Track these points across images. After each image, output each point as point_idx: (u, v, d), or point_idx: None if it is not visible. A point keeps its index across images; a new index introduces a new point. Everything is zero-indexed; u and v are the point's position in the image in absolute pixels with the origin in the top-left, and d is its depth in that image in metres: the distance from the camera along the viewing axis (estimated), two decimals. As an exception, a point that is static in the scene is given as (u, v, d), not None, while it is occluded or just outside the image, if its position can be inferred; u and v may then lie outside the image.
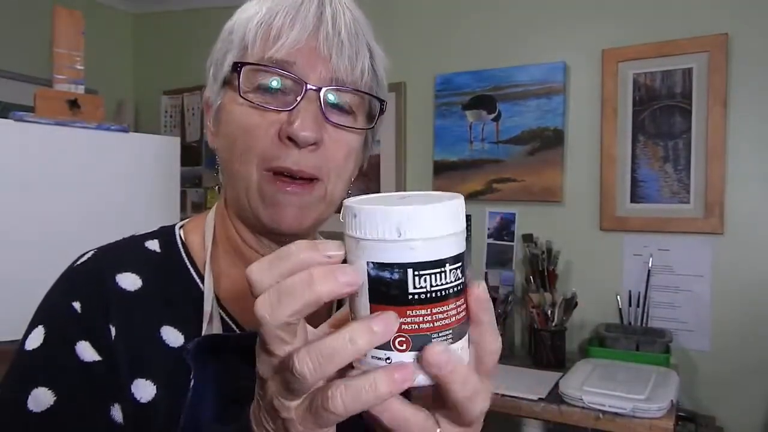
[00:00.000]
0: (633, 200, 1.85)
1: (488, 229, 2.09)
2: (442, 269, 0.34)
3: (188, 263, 0.61)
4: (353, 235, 0.35)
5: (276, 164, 0.53)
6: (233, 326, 0.59)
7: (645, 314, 1.80)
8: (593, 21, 1.91)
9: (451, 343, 0.35)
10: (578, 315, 1.87)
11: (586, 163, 1.93)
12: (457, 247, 0.35)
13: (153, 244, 0.62)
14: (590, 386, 1.44)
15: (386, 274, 0.34)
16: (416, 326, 0.34)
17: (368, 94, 0.57)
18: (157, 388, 0.53)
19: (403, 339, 0.35)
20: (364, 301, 0.35)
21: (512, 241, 2.04)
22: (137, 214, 1.70)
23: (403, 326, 0.34)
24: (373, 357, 0.35)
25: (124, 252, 0.60)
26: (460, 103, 2.11)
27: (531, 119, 1.99)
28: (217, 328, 0.57)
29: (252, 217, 0.57)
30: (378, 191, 2.30)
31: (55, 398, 0.51)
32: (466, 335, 0.37)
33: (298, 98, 0.53)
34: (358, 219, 0.34)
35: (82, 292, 0.55)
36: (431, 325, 0.34)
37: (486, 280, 2.05)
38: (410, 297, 0.34)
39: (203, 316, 0.56)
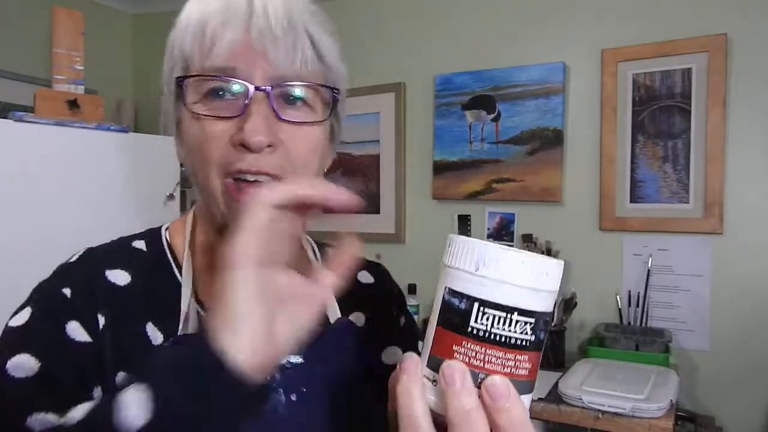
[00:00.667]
0: (632, 200, 1.85)
1: (488, 229, 2.09)
2: (509, 315, 0.35)
3: (172, 262, 0.61)
4: (443, 260, 0.38)
5: (233, 168, 0.52)
6: None
7: (644, 314, 1.80)
8: (593, 21, 1.92)
9: None
10: (578, 315, 1.87)
11: (585, 163, 1.93)
12: (533, 302, 0.36)
13: (140, 244, 0.63)
14: (590, 386, 1.44)
15: (455, 301, 0.36)
16: (467, 359, 0.35)
17: (318, 85, 0.55)
18: None
19: None
20: (433, 320, 0.38)
21: (512, 241, 2.04)
22: (137, 214, 1.70)
23: (455, 354, 0.36)
24: (424, 376, 0.37)
25: (114, 251, 0.61)
26: (460, 104, 2.11)
27: (530, 119, 1.99)
28: (193, 327, 0.57)
29: (222, 224, 0.56)
30: (378, 191, 2.31)
31: (39, 365, 0.50)
32: (527, 395, 0.38)
33: (247, 102, 0.51)
34: (449, 247, 0.38)
35: (72, 281, 0.56)
36: (482, 364, 0.35)
37: (485, 280, 2.05)
38: (469, 329, 0.35)
39: (180, 314, 0.57)
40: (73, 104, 1.61)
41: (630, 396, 1.37)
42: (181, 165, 0.64)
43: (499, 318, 0.35)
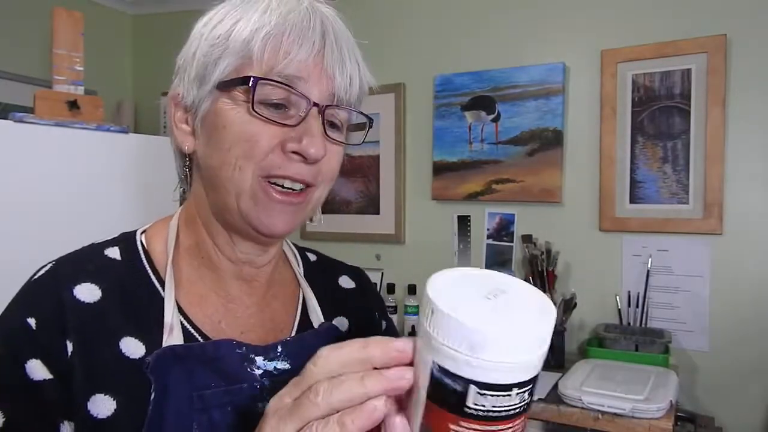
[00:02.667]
0: (632, 201, 1.85)
1: (487, 229, 2.09)
2: (508, 393, 0.33)
3: (149, 270, 0.59)
4: (427, 329, 0.33)
5: (277, 173, 0.54)
6: (195, 335, 0.57)
7: (644, 315, 1.80)
8: (592, 22, 1.92)
9: None
10: (577, 315, 1.87)
11: (585, 163, 1.93)
12: (532, 371, 0.33)
13: (113, 252, 0.60)
14: (589, 387, 1.44)
15: (449, 381, 0.33)
16: None
17: (362, 114, 0.60)
18: (117, 402, 0.51)
19: None
20: (422, 393, 0.34)
21: (511, 241, 2.04)
22: (137, 214, 1.70)
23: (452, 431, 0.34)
24: None
25: (83, 262, 0.58)
26: (460, 104, 2.11)
27: (530, 120, 1.99)
28: (178, 338, 0.55)
29: (240, 221, 0.57)
30: (378, 191, 2.31)
31: (3, 419, 0.50)
32: None
33: (301, 113, 0.54)
34: (435, 317, 0.33)
35: (37, 308, 0.53)
36: None
37: (485, 280, 2.05)
38: (466, 410, 0.33)
39: (164, 326, 0.55)
40: (73, 105, 1.61)
41: (630, 396, 1.37)
42: (187, 157, 0.61)
43: (499, 397, 0.33)
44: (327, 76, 0.55)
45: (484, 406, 0.33)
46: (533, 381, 0.34)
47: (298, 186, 0.56)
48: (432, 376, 0.33)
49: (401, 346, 0.37)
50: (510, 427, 0.34)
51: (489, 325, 0.31)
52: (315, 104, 0.54)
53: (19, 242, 1.44)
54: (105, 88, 2.48)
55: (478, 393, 0.32)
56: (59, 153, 1.55)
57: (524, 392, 0.33)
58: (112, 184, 1.67)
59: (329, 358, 0.38)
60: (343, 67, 0.56)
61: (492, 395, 0.32)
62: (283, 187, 0.55)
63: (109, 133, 1.67)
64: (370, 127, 0.62)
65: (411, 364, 0.36)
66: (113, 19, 2.87)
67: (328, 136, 0.56)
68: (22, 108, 1.88)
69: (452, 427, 0.34)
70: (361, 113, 0.61)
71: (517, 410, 0.34)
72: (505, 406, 0.33)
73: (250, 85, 0.53)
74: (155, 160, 1.78)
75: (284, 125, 0.54)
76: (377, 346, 0.37)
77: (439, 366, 0.33)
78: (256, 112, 0.53)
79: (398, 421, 0.36)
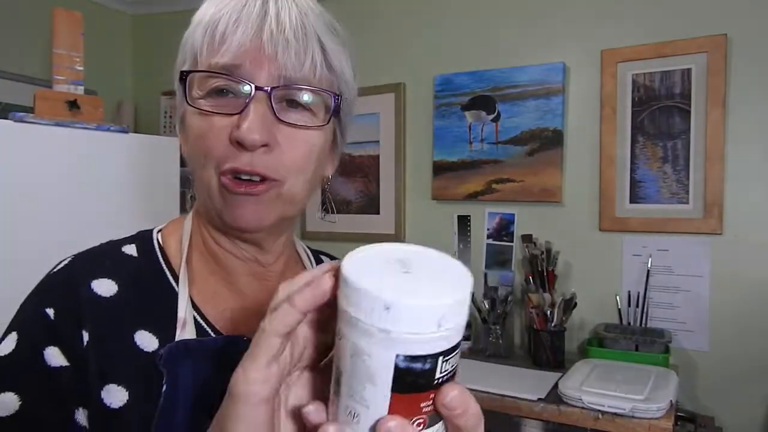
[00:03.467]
0: (632, 201, 1.85)
1: (487, 229, 2.09)
2: (459, 349, 0.35)
3: (165, 267, 0.61)
4: (382, 326, 0.33)
5: (228, 165, 0.53)
6: (208, 330, 0.59)
7: (644, 314, 1.80)
8: (592, 22, 1.92)
9: None
10: (577, 315, 1.87)
11: (585, 163, 1.93)
12: (465, 316, 0.35)
13: (130, 249, 0.62)
14: (589, 386, 1.44)
15: (417, 366, 0.33)
16: (434, 406, 0.35)
17: (320, 90, 0.55)
18: (129, 394, 0.52)
19: (422, 420, 0.35)
20: (381, 390, 0.34)
21: (511, 241, 2.04)
22: (137, 214, 1.70)
23: (424, 409, 0.35)
24: None
25: (101, 258, 0.60)
26: (460, 104, 2.11)
27: (530, 120, 1.99)
28: (190, 332, 0.56)
29: (217, 219, 0.58)
30: (378, 192, 2.31)
31: (20, 403, 0.51)
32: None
33: (248, 101, 0.53)
34: (392, 312, 0.32)
35: (55, 299, 0.55)
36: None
37: (485, 280, 2.05)
38: (436, 382, 0.34)
39: (177, 320, 0.56)
40: (73, 105, 1.61)
41: (630, 396, 1.37)
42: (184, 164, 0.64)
43: (455, 356, 0.35)
44: (268, 56, 0.52)
45: (447, 369, 0.35)
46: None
47: (256, 178, 0.54)
48: (397, 369, 0.33)
49: (326, 266, 0.38)
50: (457, 369, 0.37)
51: (449, 300, 0.33)
52: (258, 88, 0.52)
53: (19, 242, 1.44)
54: (105, 88, 2.48)
55: (444, 360, 0.34)
56: (59, 153, 1.55)
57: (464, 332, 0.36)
58: (112, 184, 1.67)
59: (272, 299, 0.39)
60: (287, 45, 0.52)
61: (452, 356, 0.34)
62: (241, 179, 0.54)
63: (109, 133, 1.67)
64: (336, 103, 0.57)
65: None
66: (113, 19, 2.87)
67: (280, 119, 0.54)
68: (22, 108, 1.89)
69: (423, 404, 0.35)
70: (324, 90, 0.56)
71: (459, 354, 0.36)
72: (457, 362, 0.36)
73: (180, 80, 0.55)
74: (155, 160, 1.78)
75: (229, 114, 0.53)
76: (307, 273, 0.39)
77: (405, 356, 0.33)
78: (195, 106, 0.54)
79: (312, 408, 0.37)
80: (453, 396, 0.35)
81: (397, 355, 0.33)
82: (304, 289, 0.36)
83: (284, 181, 0.55)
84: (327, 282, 0.36)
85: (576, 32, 1.94)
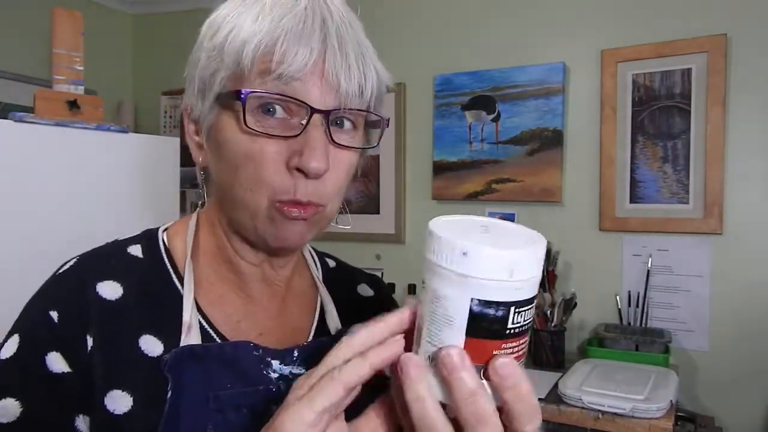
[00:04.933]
0: (632, 201, 1.85)
1: (488, 229, 2.09)
2: (532, 305, 0.38)
3: (170, 269, 0.59)
4: (459, 271, 0.36)
5: (287, 197, 0.52)
6: (213, 335, 0.58)
7: (644, 314, 1.80)
8: (592, 21, 1.92)
9: (523, 369, 0.40)
10: (577, 315, 1.87)
11: (585, 163, 1.93)
12: (537, 286, 0.38)
13: (135, 250, 0.60)
14: (589, 386, 1.44)
15: (491, 311, 0.36)
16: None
17: (373, 114, 0.56)
18: (134, 399, 0.52)
19: None
20: (457, 333, 0.37)
21: (512, 241, 2.04)
22: (137, 214, 1.70)
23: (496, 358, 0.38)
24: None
25: (106, 259, 0.59)
26: (460, 104, 2.11)
27: (530, 120, 1.99)
28: (196, 337, 0.55)
29: (256, 238, 0.56)
30: (378, 192, 2.31)
31: (21, 409, 0.50)
32: None
33: (303, 122, 0.51)
34: (468, 257, 0.36)
35: (60, 302, 0.54)
36: (517, 354, 0.38)
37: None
38: (508, 332, 0.37)
39: (182, 325, 0.55)
40: (73, 105, 1.61)
41: (630, 396, 1.37)
42: (201, 170, 0.60)
43: (528, 311, 0.37)
44: (329, 83, 0.51)
45: (519, 322, 0.37)
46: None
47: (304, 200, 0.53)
48: (471, 313, 0.36)
49: (396, 319, 0.41)
50: (528, 339, 0.40)
51: (518, 249, 0.36)
52: (316, 111, 0.50)
53: (19, 242, 1.44)
54: (105, 88, 2.48)
55: (516, 311, 0.37)
56: (59, 153, 1.55)
57: (533, 309, 0.39)
58: (112, 184, 1.67)
59: (339, 347, 0.41)
60: (349, 72, 0.51)
61: (525, 310, 0.37)
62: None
63: (109, 133, 1.67)
64: (386, 126, 0.58)
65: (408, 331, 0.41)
66: (113, 19, 2.87)
67: (334, 142, 0.53)
68: (22, 108, 1.89)
69: (496, 352, 0.37)
70: (373, 113, 0.56)
71: (532, 321, 0.39)
72: (528, 319, 0.38)
73: (238, 99, 0.50)
74: (155, 160, 1.78)
75: (284, 137, 0.51)
76: (383, 328, 0.41)
77: (479, 300, 0.36)
78: (249, 128, 0.51)
79: (407, 357, 0.39)
80: (503, 363, 0.37)
81: (472, 299, 0.36)
82: (382, 348, 0.39)
83: (327, 204, 0.55)
84: (401, 344, 0.39)
85: (576, 32, 1.94)
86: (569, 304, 1.78)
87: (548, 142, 1.96)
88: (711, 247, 1.74)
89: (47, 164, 1.53)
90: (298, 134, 0.51)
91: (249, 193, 0.53)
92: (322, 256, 0.75)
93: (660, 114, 1.81)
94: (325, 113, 0.51)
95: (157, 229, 0.64)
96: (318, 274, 0.70)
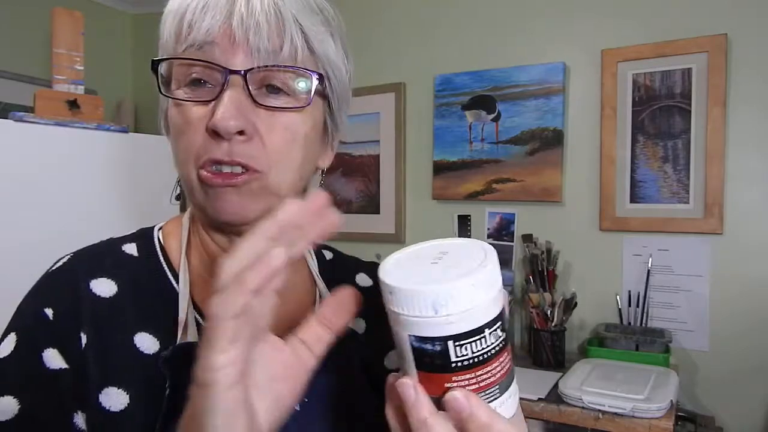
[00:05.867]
0: (632, 200, 1.85)
1: (488, 229, 2.09)
2: (482, 335, 0.36)
3: (165, 267, 0.59)
4: (393, 309, 0.36)
5: (206, 157, 0.50)
6: None
7: (644, 314, 1.80)
8: (593, 21, 1.91)
9: (498, 396, 0.38)
10: (578, 315, 1.87)
11: (585, 163, 1.93)
12: (494, 309, 0.36)
13: (130, 248, 0.60)
14: (590, 386, 1.44)
15: (428, 347, 0.36)
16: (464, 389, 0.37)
17: (298, 70, 0.52)
18: (129, 397, 0.51)
19: None
20: (411, 366, 0.37)
21: (512, 241, 2.04)
22: (136, 214, 1.70)
23: (451, 390, 0.37)
24: None
25: (100, 256, 0.58)
26: (460, 104, 2.11)
27: (530, 119, 1.99)
28: (192, 334, 0.54)
29: (201, 214, 0.56)
30: (378, 191, 2.31)
31: (19, 407, 0.50)
32: (513, 382, 0.40)
33: (222, 88, 0.50)
34: (395, 296, 0.36)
35: (54, 299, 0.54)
36: (477, 386, 0.37)
37: (485, 280, 2.05)
38: (453, 365, 0.36)
39: (178, 323, 0.54)
40: (73, 104, 1.61)
41: (630, 396, 1.37)
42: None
43: (475, 342, 0.35)
44: (239, 42, 0.50)
45: (466, 355, 0.35)
46: (500, 317, 0.37)
47: (238, 169, 0.50)
48: (413, 349, 0.36)
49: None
50: (498, 365, 0.37)
51: (440, 283, 0.35)
52: (232, 72, 0.49)
53: (19, 242, 1.44)
54: (105, 87, 2.48)
55: (457, 345, 0.35)
56: (59, 153, 1.55)
57: (496, 329, 0.36)
58: (112, 184, 1.67)
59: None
60: (259, 29, 0.49)
61: (469, 342, 0.35)
62: (221, 171, 0.51)
63: (109, 133, 1.67)
64: (319, 82, 0.53)
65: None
66: (113, 19, 2.87)
67: (260, 104, 0.51)
68: (22, 107, 1.89)
69: (447, 385, 0.36)
70: (294, 69, 0.52)
71: (497, 347, 0.37)
72: (484, 348, 0.36)
73: (152, 70, 0.52)
74: (155, 160, 1.78)
75: (205, 103, 0.51)
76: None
77: (414, 336, 0.36)
78: (165, 95, 0.52)
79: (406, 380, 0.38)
80: (452, 397, 0.36)
81: (410, 335, 0.36)
82: (255, 267, 0.36)
83: (268, 171, 0.52)
84: (278, 258, 0.36)
85: (576, 32, 1.94)
86: (569, 304, 1.78)
87: (548, 141, 1.96)
88: (711, 247, 1.74)
89: (47, 164, 1.53)
90: (215, 98, 0.50)
91: (183, 166, 0.53)
92: (318, 248, 0.74)
93: (660, 114, 1.81)
94: (240, 73, 0.50)
95: (152, 227, 0.64)
96: (315, 267, 0.70)
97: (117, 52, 2.89)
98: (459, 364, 0.36)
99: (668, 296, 1.80)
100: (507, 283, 2.01)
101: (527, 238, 1.95)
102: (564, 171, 1.96)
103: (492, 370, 0.37)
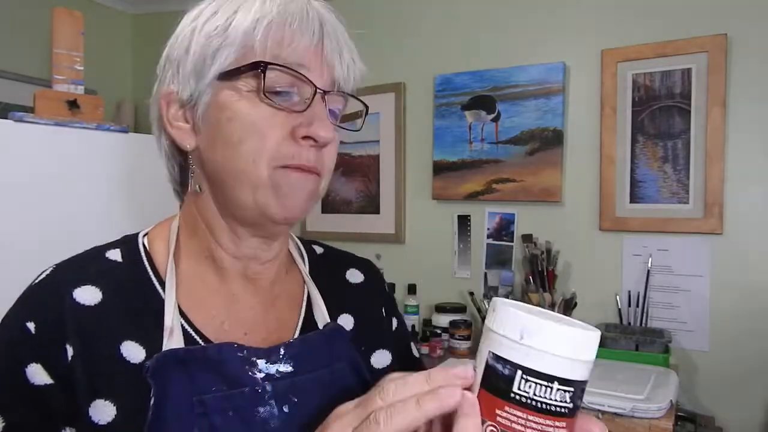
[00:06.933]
0: (632, 200, 1.85)
1: (487, 229, 2.09)
2: (550, 384, 0.37)
3: (151, 273, 0.59)
4: (487, 325, 0.40)
5: (290, 163, 0.55)
6: (196, 337, 0.57)
7: (644, 314, 1.80)
8: (593, 21, 1.91)
9: None
10: (577, 315, 1.87)
11: (585, 163, 1.93)
12: (572, 372, 0.37)
13: (114, 254, 0.60)
14: (589, 386, 1.43)
15: (499, 366, 0.38)
16: (509, 423, 0.37)
17: (359, 100, 0.63)
18: (117, 408, 0.50)
19: (494, 429, 0.38)
20: (476, 383, 0.40)
21: (511, 241, 2.04)
22: (136, 214, 1.70)
23: (498, 417, 0.38)
24: None
25: (83, 265, 0.58)
26: (460, 104, 2.11)
27: (530, 119, 1.99)
28: (178, 341, 0.54)
29: (254, 214, 0.56)
30: (378, 191, 2.31)
31: (3, 424, 0.49)
32: None
33: (306, 99, 0.55)
34: (495, 313, 0.39)
35: (36, 312, 0.53)
36: (523, 429, 0.37)
37: (485, 280, 2.05)
38: (512, 395, 0.37)
39: (164, 329, 0.54)
40: (73, 104, 1.61)
41: (630, 396, 1.37)
42: (188, 156, 0.60)
43: (541, 386, 0.37)
44: (327, 64, 0.57)
45: (527, 392, 0.37)
46: (577, 386, 0.38)
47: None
48: (487, 365, 0.39)
49: (461, 372, 0.40)
50: (550, 425, 0.37)
51: (540, 318, 0.37)
52: (319, 89, 0.56)
53: (18, 242, 1.44)
54: (105, 87, 2.48)
55: (523, 377, 0.37)
56: (59, 153, 1.55)
57: (566, 392, 0.37)
58: (112, 184, 1.67)
59: (396, 391, 0.41)
60: (341, 56, 0.58)
61: (535, 382, 0.37)
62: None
63: (109, 133, 1.67)
64: (367, 113, 0.64)
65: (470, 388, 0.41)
66: (113, 19, 2.87)
67: (335, 122, 0.59)
68: (22, 108, 1.89)
69: (498, 412, 0.37)
70: (359, 99, 0.63)
71: (559, 409, 0.37)
72: (546, 398, 0.37)
73: (259, 70, 0.53)
74: (155, 160, 1.77)
75: (292, 111, 0.55)
76: (439, 376, 0.41)
77: (492, 353, 0.38)
78: (267, 97, 0.54)
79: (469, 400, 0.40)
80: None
81: (489, 351, 0.39)
82: (438, 395, 0.39)
83: (322, 177, 0.59)
84: (456, 396, 0.39)
85: (576, 32, 1.94)
86: (569, 304, 1.79)
87: (548, 141, 1.96)
88: (711, 247, 1.74)
89: (47, 164, 1.53)
90: (304, 109, 0.55)
91: (251, 165, 0.54)
92: (309, 243, 0.75)
93: (660, 114, 1.81)
94: (325, 93, 0.57)
95: (137, 234, 0.63)
96: (305, 268, 0.70)
97: (117, 52, 2.89)
98: (517, 397, 0.37)
99: (668, 296, 1.80)
100: (507, 283, 2.01)
101: (527, 238, 1.95)
102: (564, 171, 1.96)
103: (544, 424, 0.37)
